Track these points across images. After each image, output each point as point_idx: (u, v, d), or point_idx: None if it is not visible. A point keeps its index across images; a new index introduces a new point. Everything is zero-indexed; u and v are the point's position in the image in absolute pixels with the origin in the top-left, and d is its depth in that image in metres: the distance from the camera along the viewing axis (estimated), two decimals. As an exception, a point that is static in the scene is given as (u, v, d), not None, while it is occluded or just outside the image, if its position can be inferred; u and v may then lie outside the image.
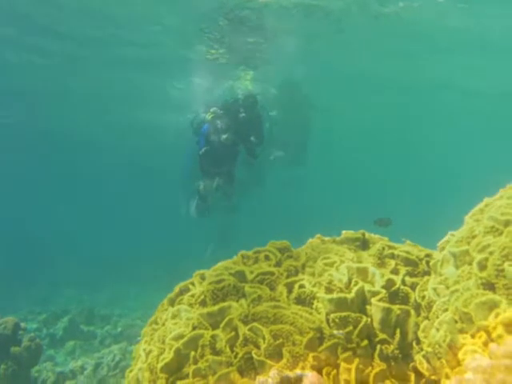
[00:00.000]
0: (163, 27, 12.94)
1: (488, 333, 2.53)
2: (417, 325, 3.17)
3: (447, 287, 3.10)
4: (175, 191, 9.98)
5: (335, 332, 3.04)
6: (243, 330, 3.09)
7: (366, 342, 3.04)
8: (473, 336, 2.63)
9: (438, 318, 3.03)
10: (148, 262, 20.82)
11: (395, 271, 3.47)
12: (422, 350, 3.05)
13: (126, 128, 24.53)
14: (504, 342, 2.34)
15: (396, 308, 3.12)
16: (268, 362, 2.93)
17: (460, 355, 2.62)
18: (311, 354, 2.93)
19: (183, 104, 13.79)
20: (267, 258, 3.66)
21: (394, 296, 3.24)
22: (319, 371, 2.86)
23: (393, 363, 3.04)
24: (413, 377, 2.96)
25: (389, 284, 3.27)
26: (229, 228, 10.62)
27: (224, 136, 8.66)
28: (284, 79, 10.80)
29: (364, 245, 3.87)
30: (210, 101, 12.05)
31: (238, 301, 3.33)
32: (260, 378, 2.90)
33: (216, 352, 3.15)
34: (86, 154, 29.91)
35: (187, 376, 3.11)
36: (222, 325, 3.20)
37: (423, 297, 3.24)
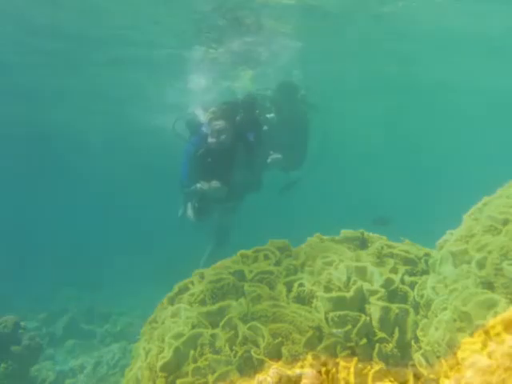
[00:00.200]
0: (161, 27, 12.94)
1: (487, 332, 2.53)
2: (415, 324, 3.17)
3: (446, 286, 3.10)
4: (174, 192, 9.94)
5: (334, 331, 3.05)
6: (242, 328, 3.10)
7: (364, 340, 3.05)
8: (471, 335, 2.63)
9: (436, 316, 3.03)
10: (148, 261, 20.78)
11: (394, 270, 3.48)
12: (420, 348, 3.06)
13: (123, 128, 24.56)
14: (503, 341, 2.34)
15: (395, 307, 3.13)
16: (267, 360, 2.94)
17: (459, 354, 2.62)
18: (310, 353, 2.93)
19: (181, 104, 13.80)
20: (266, 257, 3.66)
21: (393, 295, 3.25)
22: (318, 370, 2.86)
23: (391, 362, 3.05)
24: (411, 376, 2.97)
25: (388, 283, 3.28)
26: (226, 231, 10.57)
27: (222, 137, 8.63)
28: (282, 81, 10.76)
29: (363, 244, 3.87)
30: (209, 101, 12.05)
31: (237, 300, 3.34)
32: (259, 377, 2.91)
33: (215, 351, 3.16)
34: (85, 153, 29.87)
35: (186, 375, 3.12)
36: (221, 324, 3.21)
37: (422, 296, 3.25)
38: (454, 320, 2.76)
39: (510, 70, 17.49)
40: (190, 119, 9.59)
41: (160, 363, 3.21)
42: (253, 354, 2.98)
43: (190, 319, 3.32)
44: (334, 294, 3.15)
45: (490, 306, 2.62)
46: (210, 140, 8.70)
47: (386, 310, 3.10)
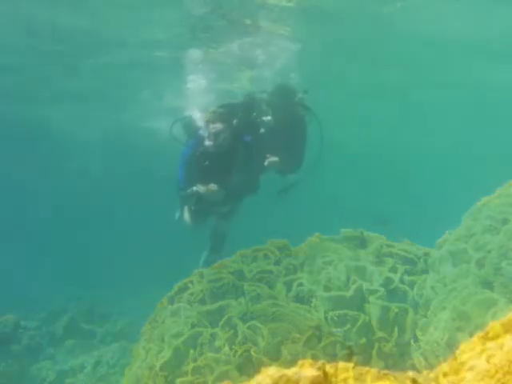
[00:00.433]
0: (158, 28, 12.95)
1: (486, 336, 2.51)
2: (415, 323, 3.18)
3: (445, 285, 3.10)
4: (171, 196, 9.91)
5: (334, 330, 3.04)
6: (242, 328, 3.10)
7: (364, 339, 3.05)
8: (471, 334, 2.63)
9: (436, 316, 3.03)
10: (148, 261, 20.73)
11: (393, 269, 3.48)
12: (420, 348, 3.06)
13: (120, 132, 24.51)
14: (502, 345, 2.34)
15: (394, 306, 3.13)
16: (266, 360, 2.94)
17: (458, 354, 2.62)
18: (310, 352, 2.93)
19: (178, 107, 13.79)
20: (266, 256, 3.66)
21: (393, 294, 3.25)
22: (318, 371, 2.85)
23: (391, 361, 3.05)
24: (411, 374, 2.96)
25: (387, 282, 3.28)
26: (222, 237, 10.52)
27: (219, 140, 8.61)
28: (279, 83, 10.75)
29: (362, 243, 3.87)
30: (206, 104, 12.03)
31: (236, 299, 3.34)
32: (258, 378, 2.90)
33: (215, 350, 3.15)
34: (83, 153, 29.78)
35: (186, 374, 3.11)
36: (221, 323, 3.20)
37: (421, 295, 3.25)
38: (453, 319, 2.76)
39: (507, 69, 17.56)
40: (187, 122, 9.56)
41: (160, 362, 3.21)
42: (252, 353, 2.97)
43: (189, 319, 3.32)
44: (333, 294, 3.14)
45: (490, 305, 2.62)
46: (207, 143, 8.68)
47: (385, 310, 3.10)
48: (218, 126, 8.63)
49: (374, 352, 2.95)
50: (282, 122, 9.24)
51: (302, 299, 3.26)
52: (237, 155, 8.87)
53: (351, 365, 2.80)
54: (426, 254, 3.67)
